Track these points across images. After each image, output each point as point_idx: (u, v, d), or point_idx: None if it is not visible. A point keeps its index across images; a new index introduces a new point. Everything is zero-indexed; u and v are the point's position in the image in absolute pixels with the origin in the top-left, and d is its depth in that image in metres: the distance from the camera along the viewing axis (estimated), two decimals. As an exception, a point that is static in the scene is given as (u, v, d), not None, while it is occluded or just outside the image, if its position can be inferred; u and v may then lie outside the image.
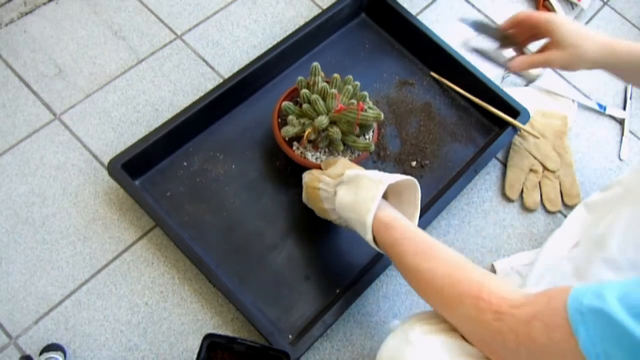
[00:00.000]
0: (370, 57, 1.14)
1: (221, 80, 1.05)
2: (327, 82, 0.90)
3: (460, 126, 1.09)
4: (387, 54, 1.15)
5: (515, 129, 1.06)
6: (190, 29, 1.13)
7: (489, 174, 1.08)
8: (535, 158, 1.08)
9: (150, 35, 1.11)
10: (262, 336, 0.84)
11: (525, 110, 1.07)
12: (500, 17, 1.26)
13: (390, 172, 1.02)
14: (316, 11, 1.18)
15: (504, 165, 1.09)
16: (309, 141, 0.92)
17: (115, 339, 0.86)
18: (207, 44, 1.12)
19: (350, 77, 0.91)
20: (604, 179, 1.11)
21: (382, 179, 0.74)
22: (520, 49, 0.89)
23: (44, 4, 1.11)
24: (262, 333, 0.83)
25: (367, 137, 0.95)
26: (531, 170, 1.07)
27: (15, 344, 0.84)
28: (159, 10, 1.14)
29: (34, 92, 1.03)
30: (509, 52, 0.89)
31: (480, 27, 0.89)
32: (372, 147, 0.90)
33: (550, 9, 1.28)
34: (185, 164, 0.98)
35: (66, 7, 1.12)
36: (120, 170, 0.90)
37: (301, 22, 1.10)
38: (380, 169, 1.02)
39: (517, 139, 1.09)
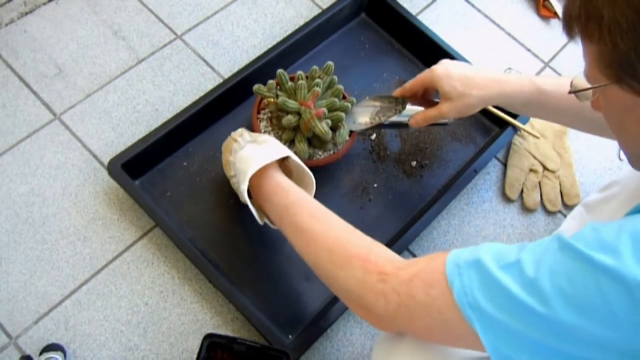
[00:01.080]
0: (370, 57, 1.14)
1: (221, 80, 1.05)
2: (333, 89, 0.92)
3: (460, 126, 1.09)
4: (387, 54, 1.15)
5: (515, 129, 1.06)
6: (190, 29, 1.13)
7: (489, 174, 1.08)
8: (535, 158, 1.08)
9: (150, 35, 1.11)
10: (262, 336, 0.84)
11: (525, 110, 1.07)
12: (500, 17, 1.27)
13: (390, 171, 1.03)
14: (316, 11, 1.18)
15: (504, 165, 1.09)
16: (270, 113, 0.95)
17: (115, 339, 0.86)
18: (207, 44, 1.12)
19: (353, 99, 0.93)
20: (604, 179, 1.11)
21: (285, 149, 0.81)
22: (426, 101, 0.90)
23: (44, 4, 1.11)
24: (262, 333, 0.83)
25: (320, 153, 0.94)
26: (531, 170, 1.07)
27: (15, 344, 0.84)
28: (159, 10, 1.14)
29: (34, 92, 1.03)
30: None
31: (381, 99, 0.93)
32: (306, 155, 0.91)
33: (550, 9, 1.28)
34: (185, 164, 0.98)
35: (66, 7, 1.12)
36: (120, 170, 0.90)
37: (301, 22, 1.10)
38: (380, 169, 1.02)
39: (517, 139, 1.09)
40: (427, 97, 0.91)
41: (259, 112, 0.96)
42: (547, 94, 0.81)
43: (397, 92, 0.90)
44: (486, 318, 0.49)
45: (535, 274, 0.48)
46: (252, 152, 0.81)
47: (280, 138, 0.93)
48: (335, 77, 0.93)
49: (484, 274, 0.51)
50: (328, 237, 0.68)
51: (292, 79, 0.93)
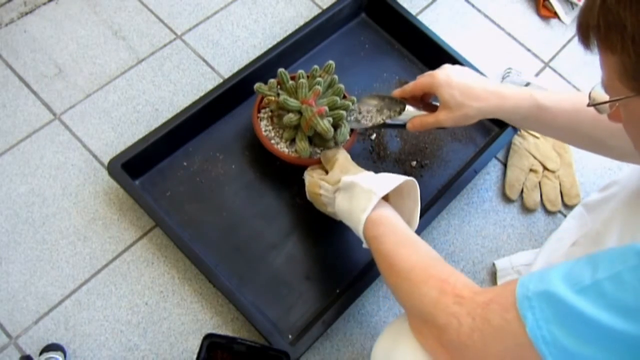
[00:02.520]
0: (370, 57, 1.14)
1: (221, 80, 1.05)
2: (334, 88, 0.92)
3: (460, 126, 1.09)
4: (387, 54, 1.15)
5: (515, 129, 1.06)
6: (190, 29, 1.13)
7: (489, 174, 1.08)
8: (535, 158, 1.08)
9: (150, 35, 1.11)
10: (262, 336, 0.84)
11: (525, 110, 1.06)
12: (500, 17, 1.27)
13: (390, 171, 1.02)
14: (316, 11, 1.18)
15: (504, 165, 1.09)
16: (271, 111, 0.95)
17: (115, 339, 0.86)
18: (207, 44, 1.12)
19: (354, 98, 0.93)
20: (604, 179, 1.11)
21: (374, 190, 0.75)
22: (425, 104, 0.90)
23: (44, 4, 1.11)
24: (262, 333, 0.83)
25: (320, 151, 0.93)
26: (531, 170, 1.07)
27: (15, 344, 0.84)
28: (159, 10, 1.14)
29: (34, 92, 1.03)
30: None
31: (380, 98, 0.93)
32: (307, 153, 0.90)
33: (550, 9, 1.28)
34: (185, 164, 0.98)
35: (66, 7, 1.12)
36: (120, 170, 0.90)
37: (301, 22, 1.10)
38: (380, 169, 1.02)
39: (517, 139, 1.09)
40: (426, 99, 0.90)
41: (259, 111, 0.96)
42: (546, 110, 0.80)
43: (396, 92, 0.89)
44: (563, 353, 0.47)
45: (617, 294, 0.45)
46: (348, 205, 0.78)
47: (281, 137, 0.93)
48: (336, 77, 0.93)
49: (558, 305, 0.48)
50: (410, 259, 0.67)
51: (292, 78, 0.93)
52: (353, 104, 0.93)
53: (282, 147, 0.93)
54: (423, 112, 0.87)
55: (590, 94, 0.58)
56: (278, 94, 0.91)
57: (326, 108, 0.88)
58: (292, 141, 0.93)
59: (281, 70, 0.92)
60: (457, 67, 0.85)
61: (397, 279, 0.67)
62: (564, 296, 0.47)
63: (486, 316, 0.54)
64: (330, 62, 0.92)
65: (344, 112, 0.90)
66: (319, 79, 0.91)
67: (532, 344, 0.49)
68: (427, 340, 0.60)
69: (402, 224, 0.75)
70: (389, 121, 0.88)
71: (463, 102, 0.80)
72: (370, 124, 0.90)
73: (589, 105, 0.58)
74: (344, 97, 0.95)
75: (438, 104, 0.86)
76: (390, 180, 0.78)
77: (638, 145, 0.55)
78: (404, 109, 0.86)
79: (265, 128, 0.95)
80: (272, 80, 0.92)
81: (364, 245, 0.78)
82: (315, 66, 0.93)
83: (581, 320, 0.46)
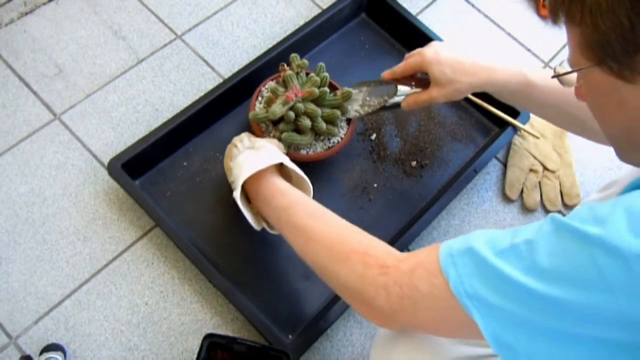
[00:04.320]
0: (370, 57, 1.14)
1: (221, 80, 1.06)
2: (332, 111, 0.94)
3: (460, 126, 1.09)
4: (387, 54, 1.15)
5: (515, 129, 1.06)
6: (190, 29, 1.13)
7: (489, 174, 1.08)
8: (535, 158, 1.08)
9: (150, 35, 1.11)
10: (262, 336, 0.84)
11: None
12: (500, 17, 1.27)
13: (390, 171, 1.03)
14: (316, 11, 1.18)
15: (504, 165, 1.09)
16: (278, 79, 0.97)
17: (115, 339, 0.86)
18: (207, 44, 1.12)
19: (334, 130, 0.94)
20: (604, 179, 1.11)
21: (280, 155, 0.82)
22: (416, 79, 0.90)
23: (44, 4, 1.11)
24: (262, 333, 0.83)
25: (274, 130, 0.94)
26: (531, 170, 1.07)
27: (15, 344, 0.84)
28: (159, 10, 1.14)
29: (34, 92, 1.03)
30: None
31: (369, 83, 0.94)
32: (273, 116, 0.90)
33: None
34: (185, 164, 0.98)
35: (66, 7, 1.12)
36: (120, 170, 0.90)
37: (301, 22, 1.11)
38: (380, 169, 1.02)
39: (517, 139, 1.10)
40: (416, 75, 0.91)
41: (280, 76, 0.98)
42: (534, 87, 0.81)
43: (386, 74, 0.90)
44: (485, 305, 0.49)
45: (533, 257, 0.48)
46: (247, 158, 0.82)
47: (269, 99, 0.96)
48: (347, 106, 0.94)
49: (479, 262, 0.51)
50: (326, 234, 0.67)
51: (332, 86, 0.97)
52: (331, 135, 0.94)
53: (257, 107, 0.96)
54: (416, 90, 0.87)
55: (555, 68, 0.60)
56: (297, 73, 0.93)
57: (298, 102, 0.89)
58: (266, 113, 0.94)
59: (322, 64, 0.95)
60: (445, 42, 0.86)
61: (316, 257, 0.67)
62: (485, 256, 0.50)
63: (412, 283, 0.55)
64: (349, 89, 0.94)
65: (308, 124, 0.90)
66: (326, 89, 0.93)
67: (456, 300, 0.51)
68: (361, 309, 0.62)
69: (307, 196, 0.78)
70: (385, 105, 0.89)
71: (454, 77, 0.81)
72: (367, 111, 0.91)
73: (553, 76, 0.60)
74: (332, 122, 0.95)
75: (427, 76, 0.86)
76: (298, 169, 0.83)
77: (597, 117, 0.57)
78: (396, 90, 0.87)
79: (265, 90, 0.98)
80: (305, 61, 0.94)
81: (235, 195, 0.79)
82: (345, 87, 0.94)
83: (500, 278, 0.49)
